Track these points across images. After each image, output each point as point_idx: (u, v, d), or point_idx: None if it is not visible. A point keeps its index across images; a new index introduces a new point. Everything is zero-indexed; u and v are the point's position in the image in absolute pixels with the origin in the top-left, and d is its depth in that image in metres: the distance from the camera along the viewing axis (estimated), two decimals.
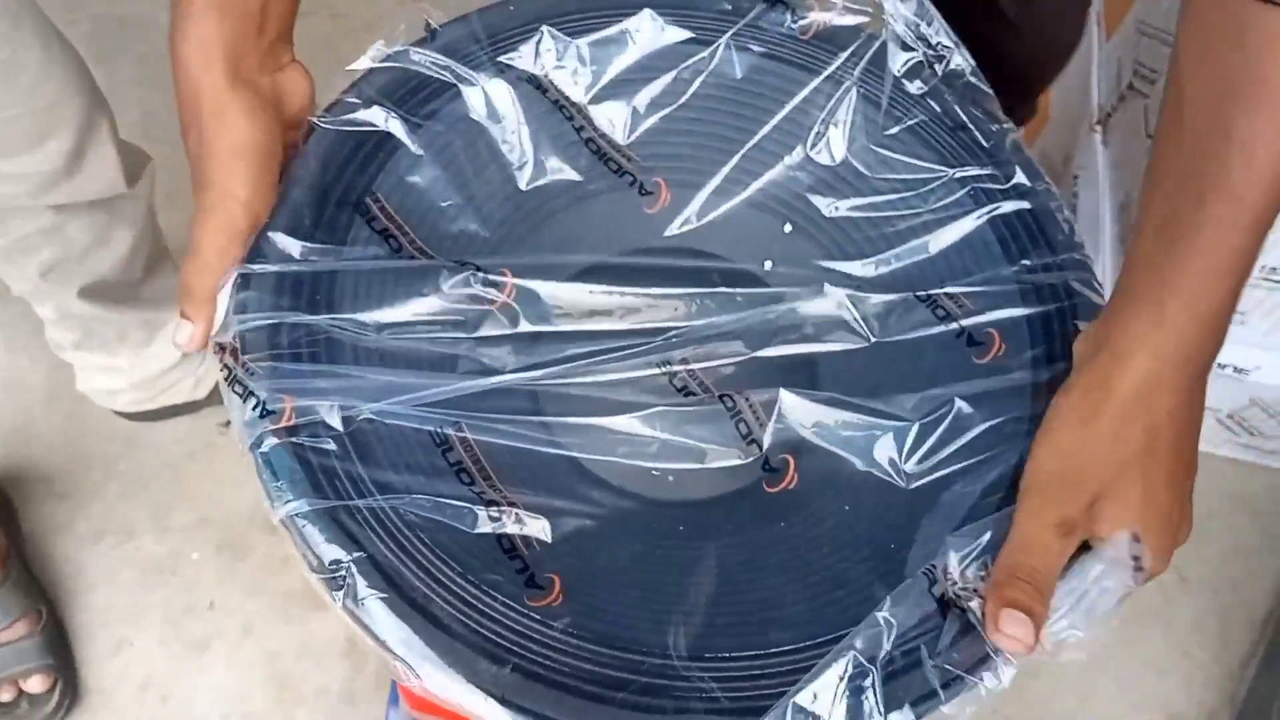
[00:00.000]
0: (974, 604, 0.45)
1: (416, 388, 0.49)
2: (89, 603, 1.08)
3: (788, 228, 0.60)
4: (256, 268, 0.49)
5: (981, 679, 0.44)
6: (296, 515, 0.44)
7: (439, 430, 0.49)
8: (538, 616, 0.45)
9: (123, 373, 1.07)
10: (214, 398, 1.15)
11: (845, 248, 0.59)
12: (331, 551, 0.44)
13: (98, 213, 0.90)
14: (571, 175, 0.59)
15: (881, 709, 0.42)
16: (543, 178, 0.59)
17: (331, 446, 0.46)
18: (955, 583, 0.45)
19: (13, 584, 1.01)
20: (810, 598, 0.48)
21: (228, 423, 1.18)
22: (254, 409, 0.46)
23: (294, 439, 0.46)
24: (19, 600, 1.01)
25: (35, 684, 0.99)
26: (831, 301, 0.55)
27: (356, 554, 0.44)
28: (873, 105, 0.59)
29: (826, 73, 0.59)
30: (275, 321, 0.48)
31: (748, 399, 0.52)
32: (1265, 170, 0.42)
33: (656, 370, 0.53)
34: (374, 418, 0.48)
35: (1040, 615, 0.44)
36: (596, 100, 0.59)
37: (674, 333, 0.54)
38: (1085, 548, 0.47)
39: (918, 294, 0.54)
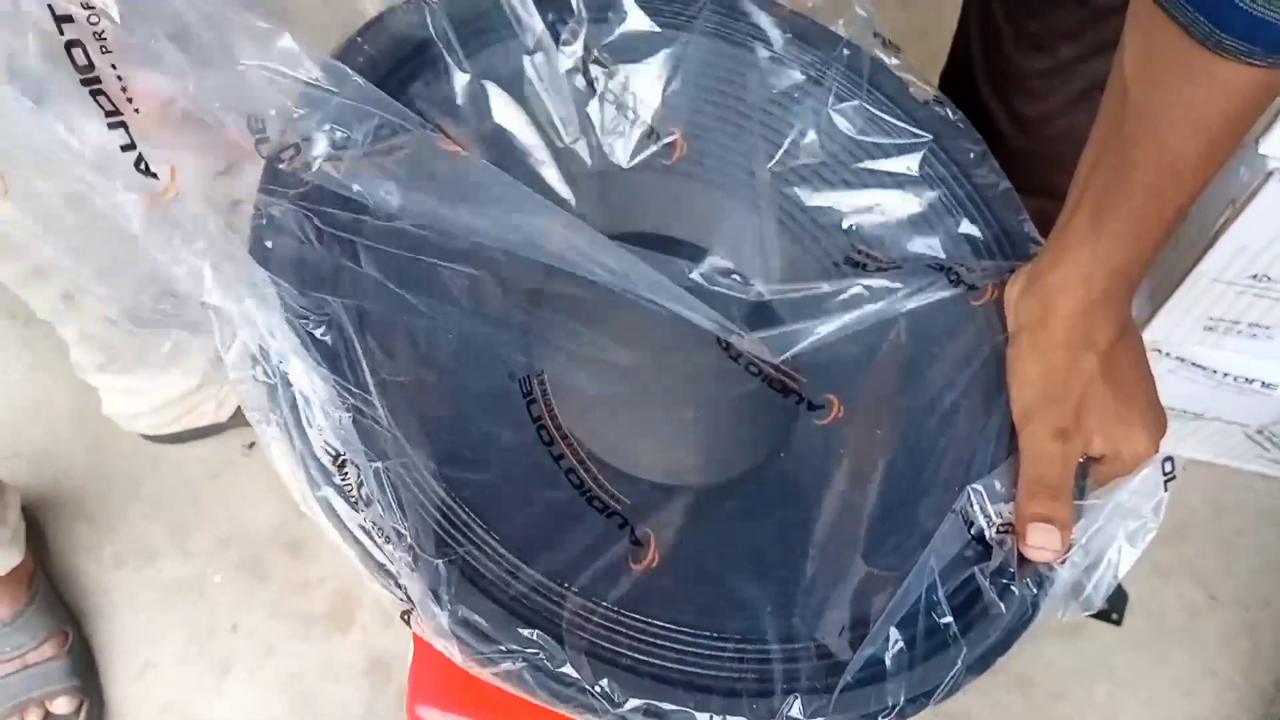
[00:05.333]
0: (1008, 538, 0.51)
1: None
2: (113, 625, 1.08)
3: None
4: None
5: (1031, 588, 0.50)
6: None
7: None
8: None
9: (144, 395, 1.08)
10: (236, 420, 1.16)
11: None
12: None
13: None
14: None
15: (958, 633, 0.48)
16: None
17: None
18: (992, 521, 0.51)
19: (40, 605, 1.02)
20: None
21: (251, 445, 1.19)
22: None
23: None
24: (46, 621, 1.02)
25: (61, 705, 1.00)
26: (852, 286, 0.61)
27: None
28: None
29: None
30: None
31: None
32: (1187, 179, 0.48)
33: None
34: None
35: (1062, 519, 0.50)
36: None
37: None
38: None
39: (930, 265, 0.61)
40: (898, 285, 0.59)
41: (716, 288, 0.60)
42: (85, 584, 1.10)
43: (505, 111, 0.58)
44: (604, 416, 0.56)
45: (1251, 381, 1.06)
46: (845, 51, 0.64)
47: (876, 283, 0.59)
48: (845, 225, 0.64)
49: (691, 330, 0.57)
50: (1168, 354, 1.05)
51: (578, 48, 0.59)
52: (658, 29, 0.61)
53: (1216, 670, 1.14)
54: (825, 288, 0.61)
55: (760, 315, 0.62)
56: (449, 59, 0.55)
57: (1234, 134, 0.46)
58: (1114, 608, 1.15)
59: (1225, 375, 1.06)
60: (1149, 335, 1.04)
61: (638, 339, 0.58)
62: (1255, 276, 0.94)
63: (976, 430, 0.55)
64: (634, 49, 0.61)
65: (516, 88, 0.58)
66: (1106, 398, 0.53)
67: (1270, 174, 0.85)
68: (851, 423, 0.59)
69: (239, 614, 1.09)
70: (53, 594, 1.05)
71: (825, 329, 0.59)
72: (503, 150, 0.58)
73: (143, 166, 0.42)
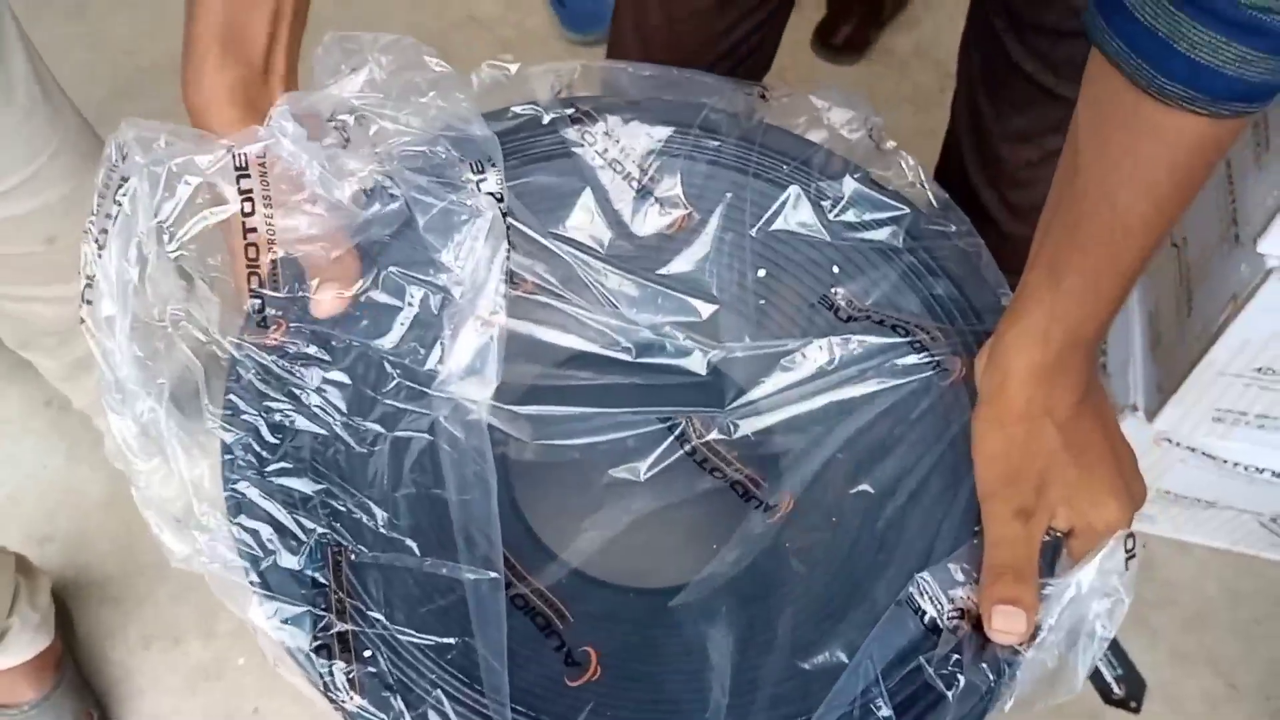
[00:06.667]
0: (962, 624, 0.50)
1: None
2: (138, 707, 1.10)
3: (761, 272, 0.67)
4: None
5: (989, 674, 0.49)
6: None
7: None
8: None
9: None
10: None
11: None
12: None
13: None
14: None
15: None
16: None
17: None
18: (943, 609, 0.50)
19: (66, 688, 1.04)
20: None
21: None
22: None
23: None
24: (72, 704, 1.04)
25: None
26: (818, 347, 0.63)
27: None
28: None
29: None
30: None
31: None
32: (1137, 234, 0.48)
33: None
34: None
35: (1027, 601, 0.49)
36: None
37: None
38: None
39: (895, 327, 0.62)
40: (862, 355, 0.61)
41: (670, 355, 0.63)
42: (111, 667, 1.12)
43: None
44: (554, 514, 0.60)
45: (1262, 471, 1.07)
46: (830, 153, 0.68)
47: (840, 349, 0.61)
48: (824, 270, 0.65)
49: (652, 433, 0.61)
50: (1178, 444, 1.07)
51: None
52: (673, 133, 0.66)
53: None
54: (789, 345, 0.63)
55: (717, 388, 0.65)
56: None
57: (1182, 189, 0.46)
58: (1132, 695, 1.15)
59: (1235, 465, 1.07)
60: (1159, 425, 1.05)
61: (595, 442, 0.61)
62: (1260, 370, 0.96)
63: (940, 515, 0.56)
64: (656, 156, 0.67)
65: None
66: (1069, 470, 0.52)
67: (1270, 272, 0.88)
68: (804, 515, 0.60)
69: (261, 698, 1.10)
70: (79, 677, 1.07)
71: (784, 415, 0.62)
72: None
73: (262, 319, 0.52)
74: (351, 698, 0.46)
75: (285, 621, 0.47)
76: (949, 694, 0.49)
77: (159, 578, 1.17)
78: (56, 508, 1.22)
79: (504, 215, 0.56)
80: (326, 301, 0.53)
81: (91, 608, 1.15)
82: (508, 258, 0.56)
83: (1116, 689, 1.15)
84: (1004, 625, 0.49)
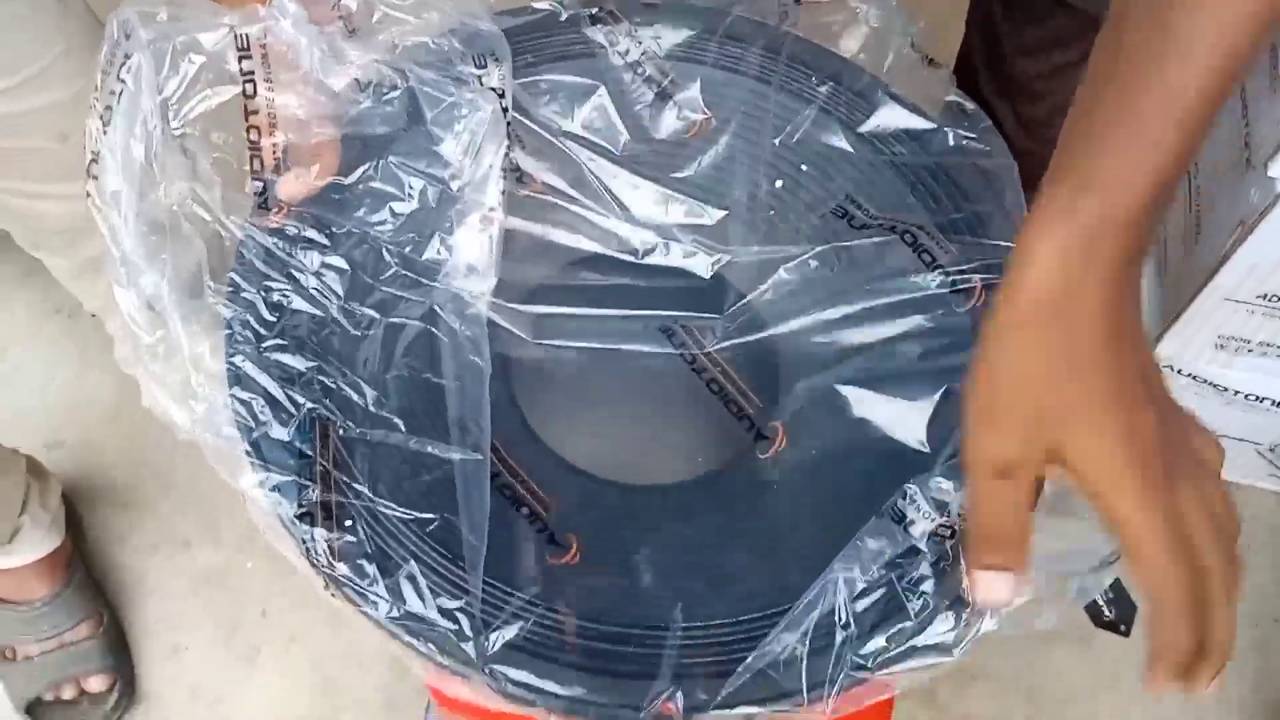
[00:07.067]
0: (948, 542, 0.49)
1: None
2: (145, 610, 1.12)
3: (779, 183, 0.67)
4: None
5: (962, 605, 0.48)
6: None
7: None
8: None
9: None
10: None
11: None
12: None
13: None
14: None
15: (856, 631, 0.48)
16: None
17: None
18: (932, 522, 0.49)
19: (77, 588, 1.06)
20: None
21: None
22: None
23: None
24: (83, 603, 1.06)
25: (96, 684, 1.04)
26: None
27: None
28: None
29: None
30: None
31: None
32: (1200, 68, 0.39)
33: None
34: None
35: (1016, 561, 0.43)
36: None
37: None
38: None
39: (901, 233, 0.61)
40: (870, 264, 0.61)
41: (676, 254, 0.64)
42: (121, 571, 1.14)
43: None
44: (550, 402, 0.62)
45: (1262, 400, 1.07)
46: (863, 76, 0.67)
47: (847, 257, 0.61)
48: (839, 183, 0.65)
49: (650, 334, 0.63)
50: (1179, 371, 1.07)
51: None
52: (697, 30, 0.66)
53: (1226, 686, 1.14)
54: (793, 251, 0.63)
55: (720, 294, 0.65)
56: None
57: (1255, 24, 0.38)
58: (1122, 619, 1.16)
59: (1236, 393, 1.07)
60: (1161, 352, 1.05)
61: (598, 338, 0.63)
62: (1265, 296, 0.96)
63: (941, 438, 0.55)
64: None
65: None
66: (1077, 404, 0.40)
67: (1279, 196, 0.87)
68: (797, 436, 0.61)
69: (268, 600, 1.12)
70: (89, 579, 1.09)
71: (787, 327, 0.62)
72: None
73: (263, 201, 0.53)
74: (331, 563, 0.48)
75: (272, 489, 0.49)
76: (916, 614, 0.48)
77: (167, 484, 1.19)
78: (67, 414, 1.23)
79: (505, 111, 0.56)
80: (288, 183, 0.53)
81: (101, 513, 1.17)
82: (508, 153, 0.56)
83: (1107, 612, 1.17)
84: (990, 594, 0.43)
